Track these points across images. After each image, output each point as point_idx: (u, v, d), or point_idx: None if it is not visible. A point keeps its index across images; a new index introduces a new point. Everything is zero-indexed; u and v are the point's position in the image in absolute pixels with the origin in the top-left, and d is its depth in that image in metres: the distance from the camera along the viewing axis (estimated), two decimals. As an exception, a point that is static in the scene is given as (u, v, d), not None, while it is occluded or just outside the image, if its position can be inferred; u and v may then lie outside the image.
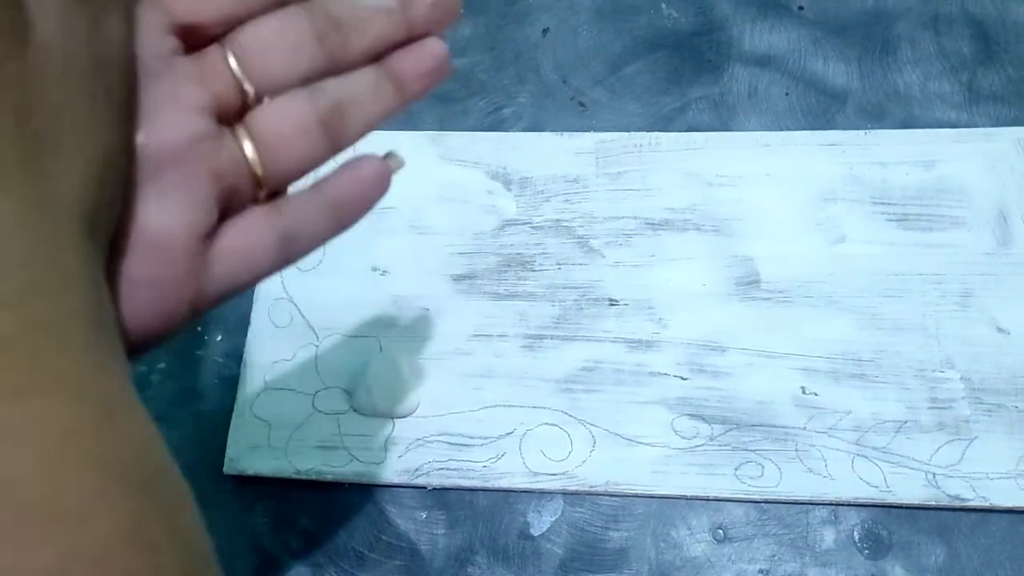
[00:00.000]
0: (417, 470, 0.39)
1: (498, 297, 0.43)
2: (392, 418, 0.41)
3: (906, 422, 0.38)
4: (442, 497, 0.39)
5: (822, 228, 0.43)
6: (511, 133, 0.47)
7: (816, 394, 0.39)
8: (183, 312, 0.21)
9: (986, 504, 0.37)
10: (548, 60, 0.49)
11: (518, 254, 0.44)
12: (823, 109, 0.46)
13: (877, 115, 0.46)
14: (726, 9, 0.49)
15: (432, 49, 0.24)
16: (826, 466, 0.38)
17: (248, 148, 0.22)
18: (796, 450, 0.38)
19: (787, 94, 0.47)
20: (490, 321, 0.42)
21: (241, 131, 0.23)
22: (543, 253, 0.44)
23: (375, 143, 0.48)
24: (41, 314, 0.16)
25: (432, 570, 0.38)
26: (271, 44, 0.23)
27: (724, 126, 0.46)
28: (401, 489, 0.40)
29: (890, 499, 0.37)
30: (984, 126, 0.44)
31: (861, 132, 0.45)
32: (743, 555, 0.37)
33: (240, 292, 0.23)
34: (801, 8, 0.49)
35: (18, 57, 0.17)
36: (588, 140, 0.46)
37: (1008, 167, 0.43)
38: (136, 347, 0.21)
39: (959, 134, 0.44)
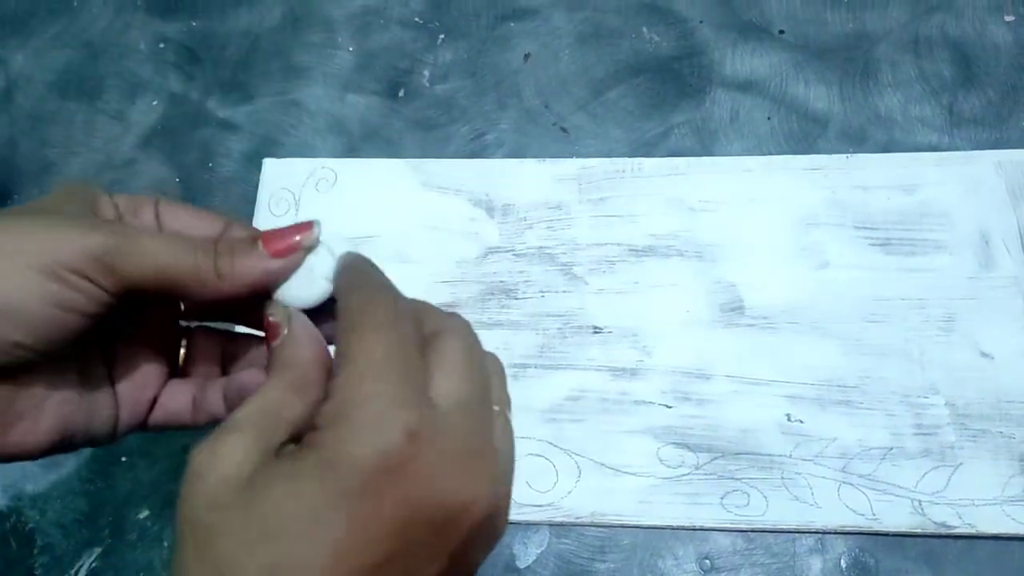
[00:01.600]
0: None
1: (482, 326, 0.43)
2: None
3: (892, 449, 0.38)
4: (427, 530, 0.39)
5: (805, 253, 0.43)
6: (493, 160, 0.47)
7: (801, 421, 0.39)
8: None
9: (972, 531, 0.37)
10: (530, 85, 0.49)
11: (501, 282, 0.44)
12: (805, 133, 0.46)
13: (859, 139, 0.46)
14: (707, 33, 0.49)
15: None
16: (812, 494, 0.38)
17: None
18: (782, 478, 0.38)
19: (769, 118, 0.47)
20: (474, 350, 0.42)
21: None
22: (526, 281, 0.44)
23: (366, 172, 0.48)
24: None
25: (417, 605, 0.38)
26: None
27: (706, 151, 0.46)
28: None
29: (877, 527, 0.37)
30: (965, 149, 0.45)
31: (843, 156, 0.45)
32: (730, 585, 0.37)
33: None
34: (782, 32, 0.49)
35: None
36: (570, 166, 0.46)
37: (989, 190, 0.43)
38: None
39: (940, 158, 0.44)
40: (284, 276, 0.25)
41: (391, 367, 0.20)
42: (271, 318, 0.24)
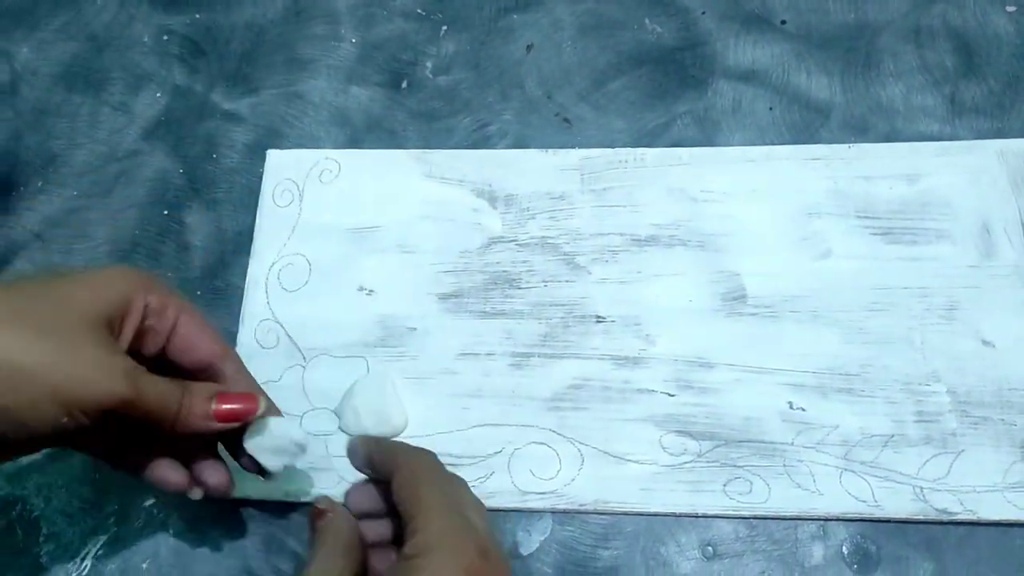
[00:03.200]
0: (405, 491, 0.39)
1: (485, 315, 0.43)
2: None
3: (893, 436, 0.38)
4: (431, 518, 0.39)
5: (807, 243, 0.43)
6: (496, 150, 0.47)
7: (803, 409, 0.39)
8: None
9: (974, 517, 0.37)
10: (532, 76, 0.49)
11: (504, 272, 0.44)
12: (807, 123, 0.46)
13: (861, 129, 0.46)
14: (709, 24, 0.49)
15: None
16: (814, 481, 0.38)
17: None
18: (784, 465, 0.38)
19: (771, 108, 0.47)
20: (477, 340, 0.42)
21: None
22: (529, 271, 0.44)
23: (369, 162, 0.49)
24: None
25: (421, 592, 0.38)
26: None
27: (709, 141, 0.46)
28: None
29: (878, 514, 0.37)
30: (967, 138, 0.45)
31: (845, 146, 0.45)
32: (733, 572, 0.37)
33: None
34: (784, 22, 0.49)
35: None
36: (573, 156, 0.46)
37: (991, 180, 0.43)
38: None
39: (942, 147, 0.44)
40: (230, 432, 0.33)
41: (450, 508, 0.29)
42: (319, 506, 0.33)
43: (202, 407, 0.32)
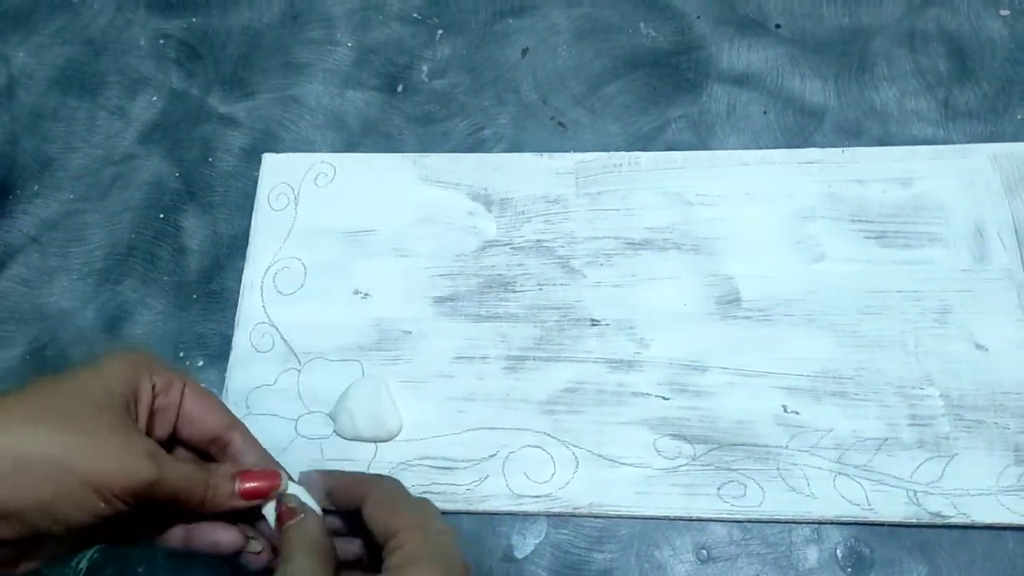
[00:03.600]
0: (400, 495, 0.39)
1: (480, 319, 0.43)
2: (375, 442, 0.41)
3: (887, 439, 0.39)
4: (425, 521, 0.39)
5: (801, 246, 0.43)
6: (491, 154, 0.47)
7: (797, 412, 0.40)
8: None
9: (967, 521, 0.37)
10: (528, 80, 0.49)
11: (499, 275, 0.44)
12: (801, 127, 0.46)
13: (854, 132, 0.46)
14: (704, 28, 0.50)
15: None
16: (808, 485, 0.38)
17: None
18: (778, 469, 0.39)
19: (765, 112, 0.47)
20: (472, 343, 0.42)
21: None
22: (524, 274, 0.44)
23: (365, 166, 0.49)
24: None
25: (416, 595, 0.38)
26: None
27: (703, 145, 0.46)
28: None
29: (872, 517, 0.37)
30: (960, 142, 0.45)
31: (839, 150, 0.45)
32: (727, 575, 0.37)
33: None
34: (778, 26, 0.49)
35: None
36: (568, 160, 0.46)
37: (984, 183, 0.43)
38: None
39: (935, 151, 0.44)
40: (256, 508, 0.33)
41: (429, 526, 0.30)
42: (288, 504, 0.32)
43: (227, 487, 0.32)
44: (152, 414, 0.33)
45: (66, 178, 0.49)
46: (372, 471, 0.40)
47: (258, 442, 0.36)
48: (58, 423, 0.29)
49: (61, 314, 0.46)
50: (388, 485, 0.33)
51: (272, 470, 0.34)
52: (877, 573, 0.37)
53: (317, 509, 0.32)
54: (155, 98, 0.51)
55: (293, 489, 0.33)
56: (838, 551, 0.37)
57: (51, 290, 0.46)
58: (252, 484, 0.33)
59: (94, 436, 0.29)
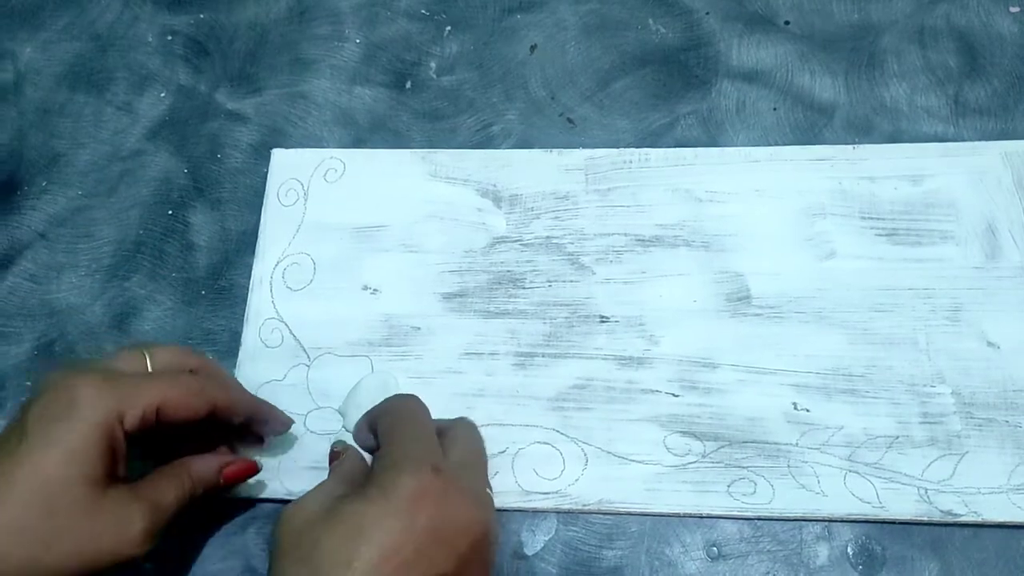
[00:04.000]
0: (409, 491, 0.39)
1: (489, 315, 0.43)
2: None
3: (898, 437, 0.38)
4: (435, 518, 0.39)
5: (812, 243, 0.43)
6: (500, 150, 0.47)
7: (808, 410, 0.39)
8: None
9: (978, 519, 0.37)
10: (536, 77, 0.49)
11: (508, 271, 0.44)
12: (810, 124, 0.46)
13: (864, 129, 0.46)
14: (713, 24, 0.49)
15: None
16: (818, 482, 0.38)
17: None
18: (788, 466, 0.38)
19: (775, 109, 0.47)
20: (481, 339, 0.42)
21: None
22: (534, 270, 0.44)
23: (374, 162, 0.49)
24: None
25: (425, 592, 0.38)
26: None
27: (712, 141, 0.46)
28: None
29: (883, 515, 0.37)
30: (971, 139, 0.45)
31: (849, 147, 0.45)
32: (737, 572, 0.37)
33: None
34: (787, 23, 0.49)
35: None
36: (577, 156, 0.46)
37: (995, 181, 0.43)
38: None
39: (947, 148, 0.44)
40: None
41: (420, 437, 0.33)
42: (334, 448, 0.38)
43: (211, 479, 0.36)
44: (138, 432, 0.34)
45: (74, 174, 0.49)
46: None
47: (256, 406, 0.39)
48: (28, 534, 0.30)
49: (69, 310, 0.46)
50: (392, 403, 0.36)
51: (249, 461, 0.38)
52: (888, 571, 0.37)
53: (360, 452, 0.37)
54: (163, 94, 0.51)
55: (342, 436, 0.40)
56: (849, 549, 0.37)
57: (59, 286, 0.46)
58: (234, 469, 0.37)
59: (63, 526, 0.31)
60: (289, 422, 0.40)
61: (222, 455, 0.38)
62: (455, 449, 0.34)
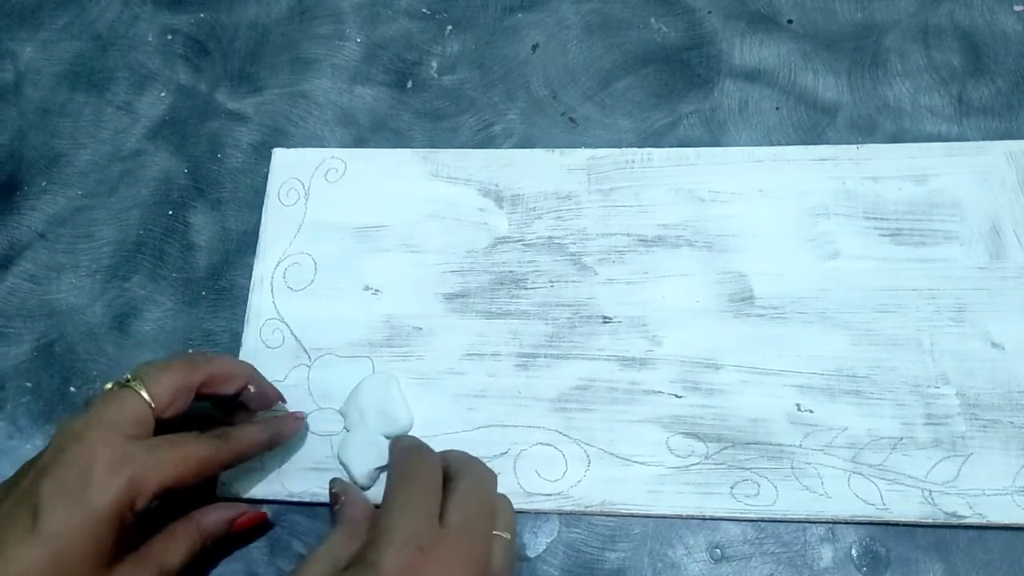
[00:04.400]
0: (411, 493, 0.39)
1: (491, 316, 0.43)
2: (386, 439, 0.40)
3: (902, 439, 0.38)
4: (436, 520, 0.39)
5: (815, 244, 0.43)
6: (502, 150, 0.47)
7: (811, 411, 0.39)
8: None
9: (983, 521, 0.36)
10: (538, 76, 0.49)
11: (510, 272, 0.44)
12: (814, 123, 0.46)
13: (868, 129, 0.45)
14: (715, 23, 0.49)
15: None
16: (822, 484, 0.38)
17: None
18: (792, 468, 0.38)
19: (778, 108, 0.47)
20: (483, 340, 0.42)
21: None
22: (536, 271, 0.44)
23: (375, 162, 0.48)
24: None
25: (427, 594, 0.38)
26: None
27: (715, 141, 0.46)
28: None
29: (887, 517, 0.37)
30: (975, 139, 0.44)
31: (853, 146, 0.45)
32: (741, 574, 0.37)
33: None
34: (790, 22, 0.49)
35: None
36: (579, 156, 0.46)
37: (1000, 180, 0.43)
38: None
39: (951, 148, 0.44)
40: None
41: (415, 505, 0.32)
42: (332, 490, 0.38)
43: (220, 529, 0.37)
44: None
45: (74, 174, 0.49)
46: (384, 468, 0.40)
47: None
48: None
49: (69, 311, 0.45)
50: (393, 456, 0.36)
51: (258, 513, 0.38)
52: (893, 572, 0.37)
53: (358, 492, 0.38)
54: (163, 94, 0.51)
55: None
56: (853, 550, 0.37)
57: (59, 286, 0.46)
58: (244, 519, 0.38)
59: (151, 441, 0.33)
60: (301, 424, 0.41)
61: (231, 507, 0.38)
62: (459, 505, 0.32)
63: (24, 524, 0.31)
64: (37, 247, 0.47)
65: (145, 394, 0.34)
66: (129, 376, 0.35)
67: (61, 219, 0.48)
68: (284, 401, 0.41)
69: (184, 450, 0.34)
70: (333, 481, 0.38)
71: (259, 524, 0.38)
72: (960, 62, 0.47)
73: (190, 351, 0.44)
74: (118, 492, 0.31)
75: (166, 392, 0.35)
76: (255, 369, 0.40)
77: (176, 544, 0.35)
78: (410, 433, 0.41)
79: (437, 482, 0.33)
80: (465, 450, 0.40)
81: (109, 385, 0.36)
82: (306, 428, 0.41)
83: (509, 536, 0.33)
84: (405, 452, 0.35)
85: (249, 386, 0.39)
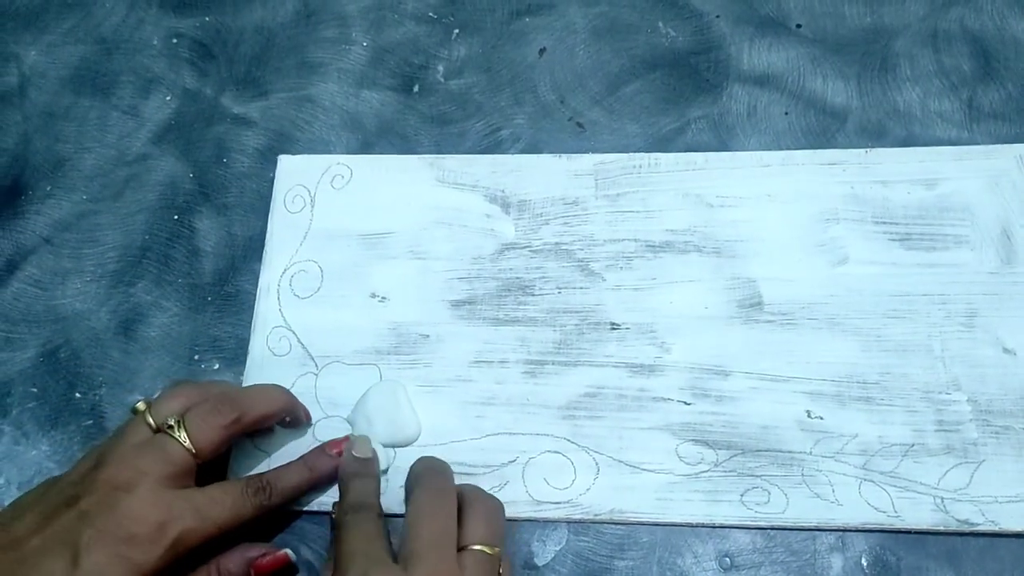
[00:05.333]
0: (419, 500, 0.39)
1: (498, 322, 0.43)
2: (393, 447, 0.40)
3: (913, 445, 0.38)
4: (444, 528, 0.39)
5: (824, 249, 0.42)
6: (509, 155, 0.47)
7: (821, 418, 0.39)
8: None
9: (995, 528, 0.36)
10: (545, 80, 0.49)
11: (518, 278, 0.44)
12: (823, 128, 0.46)
13: (877, 134, 0.45)
14: (724, 28, 0.49)
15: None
16: (833, 491, 0.38)
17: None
18: (802, 475, 0.38)
19: (786, 113, 0.46)
20: (490, 347, 0.42)
21: None
22: (543, 277, 0.43)
23: (381, 168, 0.48)
24: None
25: (435, 603, 0.37)
26: None
27: (723, 146, 0.46)
28: (403, 519, 0.39)
29: (898, 525, 0.37)
30: (985, 144, 0.44)
31: (862, 151, 0.44)
32: (750, 583, 0.37)
33: None
34: (799, 26, 0.49)
35: None
36: (587, 161, 0.46)
37: (1010, 184, 0.43)
38: None
39: (960, 151, 0.44)
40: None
41: (434, 544, 0.32)
42: (334, 516, 0.36)
43: (240, 570, 0.36)
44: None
45: (79, 178, 0.49)
46: (392, 476, 0.39)
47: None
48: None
49: (74, 316, 0.45)
50: (414, 476, 0.37)
51: (281, 554, 0.37)
52: (903, 581, 0.36)
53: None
54: (168, 98, 0.51)
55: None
56: (864, 559, 0.37)
57: (64, 292, 0.46)
58: (266, 563, 0.37)
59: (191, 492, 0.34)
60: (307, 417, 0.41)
61: (253, 547, 0.37)
62: (472, 526, 0.34)
63: (62, 565, 0.31)
64: (42, 252, 0.47)
65: (189, 444, 0.35)
66: (173, 421, 0.35)
67: (66, 224, 0.48)
68: (311, 423, 0.41)
69: (231, 510, 0.35)
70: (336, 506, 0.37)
71: (282, 567, 0.37)
72: (970, 67, 0.46)
73: (225, 383, 0.42)
74: (162, 552, 0.32)
75: (210, 443, 0.35)
76: (293, 397, 0.40)
77: None
78: (418, 442, 0.40)
79: (452, 511, 0.34)
80: (473, 458, 0.40)
81: (141, 406, 0.36)
82: (313, 438, 0.41)
83: (488, 549, 0.33)
84: (419, 486, 0.35)
85: (286, 417, 0.39)
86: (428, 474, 0.36)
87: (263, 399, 0.38)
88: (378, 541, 0.33)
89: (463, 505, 0.34)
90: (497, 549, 0.33)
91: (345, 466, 0.38)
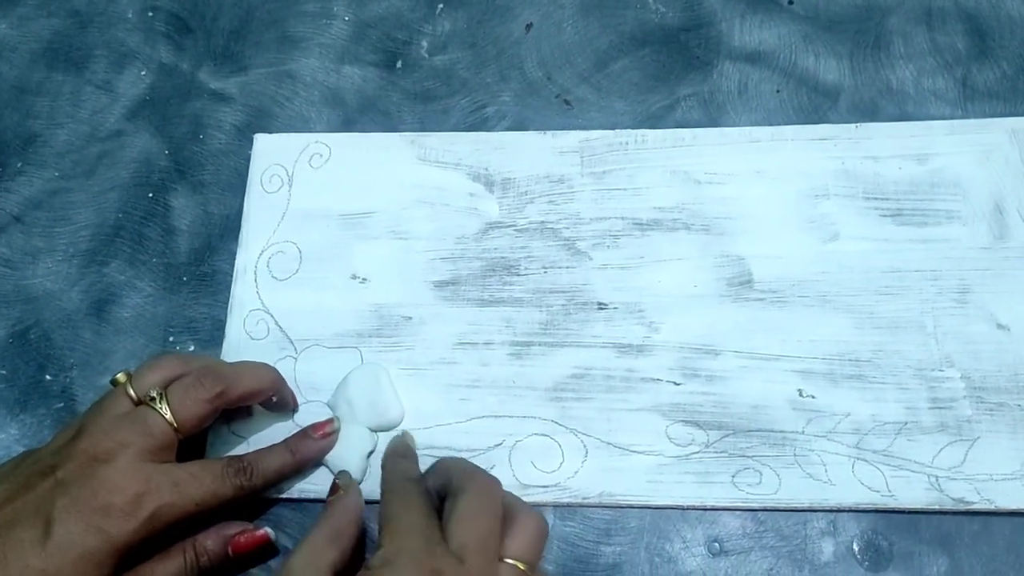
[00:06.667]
0: (401, 484, 0.38)
1: (483, 303, 0.41)
2: (375, 432, 0.39)
3: (906, 423, 0.37)
4: (427, 512, 0.38)
5: (815, 225, 0.42)
6: (493, 132, 0.46)
7: (813, 396, 0.38)
8: None
9: (991, 507, 0.35)
10: (532, 57, 0.48)
11: (502, 258, 0.42)
12: (815, 106, 0.45)
13: (870, 112, 0.44)
14: (714, 4, 0.48)
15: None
16: (826, 471, 0.37)
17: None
18: (795, 455, 0.37)
19: (778, 91, 0.45)
20: (475, 328, 0.41)
21: None
22: (528, 256, 0.42)
23: (361, 146, 0.47)
24: None
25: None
26: None
27: (714, 124, 0.45)
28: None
29: (892, 504, 0.36)
30: (978, 121, 0.43)
31: (852, 126, 0.43)
32: (739, 569, 0.36)
33: None
34: (791, 2, 0.48)
35: None
36: (572, 139, 0.45)
37: (1003, 159, 0.42)
38: None
39: (952, 126, 0.43)
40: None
41: (416, 529, 0.30)
42: (338, 481, 0.35)
43: (218, 548, 0.35)
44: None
45: (51, 155, 0.47)
46: (374, 462, 0.38)
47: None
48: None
49: (45, 296, 0.44)
50: (389, 474, 0.35)
51: (261, 533, 0.36)
52: (896, 567, 0.36)
53: (356, 498, 0.34)
54: (143, 72, 0.49)
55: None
56: (855, 544, 0.36)
57: (35, 271, 0.44)
58: (244, 542, 0.35)
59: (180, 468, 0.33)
60: (329, 444, 0.38)
61: (231, 524, 0.36)
62: (456, 526, 0.30)
63: (33, 534, 0.30)
64: (12, 231, 0.46)
65: (170, 417, 0.34)
66: (155, 394, 0.34)
67: (37, 202, 0.46)
68: (297, 408, 0.40)
69: (210, 489, 0.34)
70: (341, 473, 0.36)
71: (262, 547, 0.36)
72: (964, 45, 0.46)
73: (208, 357, 0.40)
74: (138, 525, 0.31)
75: (193, 417, 0.34)
76: (280, 376, 0.38)
77: (170, 565, 0.34)
78: (402, 425, 0.39)
79: (430, 502, 0.32)
80: (458, 442, 0.39)
81: (121, 378, 0.35)
82: (293, 423, 0.40)
83: (524, 567, 0.30)
84: (398, 470, 0.34)
85: (272, 396, 0.38)
86: (480, 473, 0.33)
87: (249, 375, 0.37)
88: (432, 519, 0.31)
89: (509, 515, 0.31)
90: (492, 549, 0.30)
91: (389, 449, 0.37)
